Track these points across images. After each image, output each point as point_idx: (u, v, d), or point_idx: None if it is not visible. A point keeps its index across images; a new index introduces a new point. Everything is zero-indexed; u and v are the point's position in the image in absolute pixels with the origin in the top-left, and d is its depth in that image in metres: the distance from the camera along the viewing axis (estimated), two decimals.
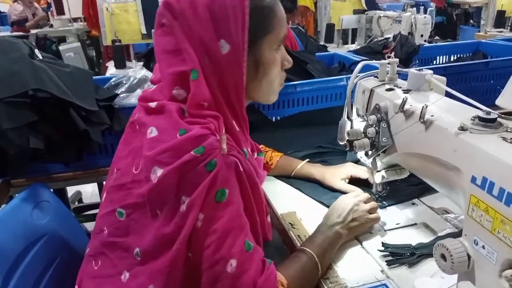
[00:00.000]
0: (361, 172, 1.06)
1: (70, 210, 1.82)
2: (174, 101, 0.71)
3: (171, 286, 0.68)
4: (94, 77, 1.30)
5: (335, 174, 1.07)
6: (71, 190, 2.40)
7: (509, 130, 0.62)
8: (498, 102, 0.68)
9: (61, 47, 2.95)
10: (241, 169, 0.70)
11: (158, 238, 0.67)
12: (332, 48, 2.81)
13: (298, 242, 0.89)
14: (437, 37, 5.56)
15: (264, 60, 0.76)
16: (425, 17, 2.63)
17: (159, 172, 0.65)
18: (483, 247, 0.59)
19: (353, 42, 3.16)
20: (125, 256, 0.71)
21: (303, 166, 1.13)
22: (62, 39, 4.51)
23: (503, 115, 0.65)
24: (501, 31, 3.32)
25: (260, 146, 1.11)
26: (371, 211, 0.90)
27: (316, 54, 1.84)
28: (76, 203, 2.43)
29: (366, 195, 0.94)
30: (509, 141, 0.59)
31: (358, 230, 0.88)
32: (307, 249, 0.80)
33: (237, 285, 0.67)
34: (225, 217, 0.67)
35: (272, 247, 0.90)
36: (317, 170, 1.11)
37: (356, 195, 0.93)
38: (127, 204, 0.71)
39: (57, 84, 1.11)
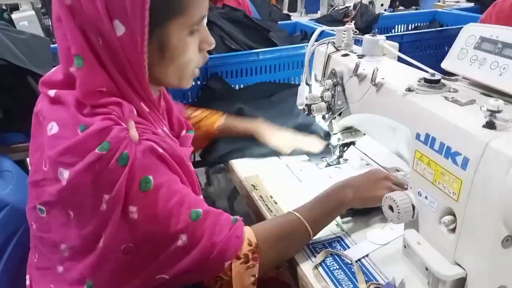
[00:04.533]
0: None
1: None
2: (71, 80, 0.64)
3: (109, 276, 0.65)
4: (51, 45, 1.26)
5: (285, 138, 1.10)
6: None
7: (451, 90, 0.67)
8: (443, 65, 0.72)
9: (14, 16, 2.78)
10: (160, 150, 0.65)
11: (82, 237, 0.64)
12: (296, 17, 2.82)
13: (260, 202, 0.93)
14: (401, 7, 5.67)
15: (171, 46, 0.66)
16: None
17: (66, 173, 0.61)
18: (426, 197, 0.65)
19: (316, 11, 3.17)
20: (54, 251, 0.69)
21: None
22: (14, 7, 4.27)
23: (446, 77, 0.70)
24: (458, 1, 3.41)
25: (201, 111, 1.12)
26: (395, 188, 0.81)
27: (279, 22, 1.85)
28: None
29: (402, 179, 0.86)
30: (450, 100, 0.63)
31: (368, 201, 0.82)
32: (293, 212, 0.77)
33: (196, 253, 0.66)
34: (160, 201, 0.63)
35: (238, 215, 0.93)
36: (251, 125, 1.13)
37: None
38: (44, 201, 0.67)
39: (12, 52, 1.08)
